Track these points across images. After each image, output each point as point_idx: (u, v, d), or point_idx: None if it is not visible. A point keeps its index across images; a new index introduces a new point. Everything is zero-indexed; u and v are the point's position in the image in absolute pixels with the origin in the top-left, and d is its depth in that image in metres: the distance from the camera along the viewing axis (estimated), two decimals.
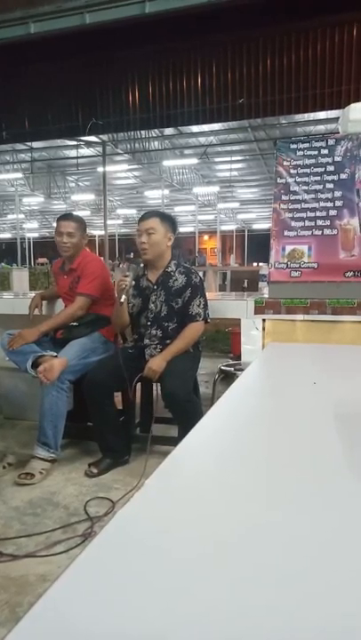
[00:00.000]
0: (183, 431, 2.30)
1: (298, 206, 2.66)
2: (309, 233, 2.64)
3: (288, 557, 0.53)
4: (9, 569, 1.65)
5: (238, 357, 2.92)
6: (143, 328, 2.53)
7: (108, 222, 14.89)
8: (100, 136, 11.89)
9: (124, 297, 2.37)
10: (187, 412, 2.25)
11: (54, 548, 1.77)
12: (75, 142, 13.58)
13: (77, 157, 15.35)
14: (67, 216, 2.81)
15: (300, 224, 2.66)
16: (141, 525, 0.59)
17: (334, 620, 0.43)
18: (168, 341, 2.45)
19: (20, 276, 10.85)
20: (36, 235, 30.60)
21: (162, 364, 2.34)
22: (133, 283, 2.47)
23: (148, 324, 2.51)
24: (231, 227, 30.13)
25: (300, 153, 2.66)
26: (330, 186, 2.61)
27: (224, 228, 29.15)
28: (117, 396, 2.53)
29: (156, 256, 2.50)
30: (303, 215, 2.65)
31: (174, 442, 2.30)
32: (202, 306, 2.47)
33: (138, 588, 0.47)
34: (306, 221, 2.65)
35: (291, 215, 2.68)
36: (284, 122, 12.23)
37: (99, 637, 0.40)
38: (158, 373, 2.33)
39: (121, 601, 0.44)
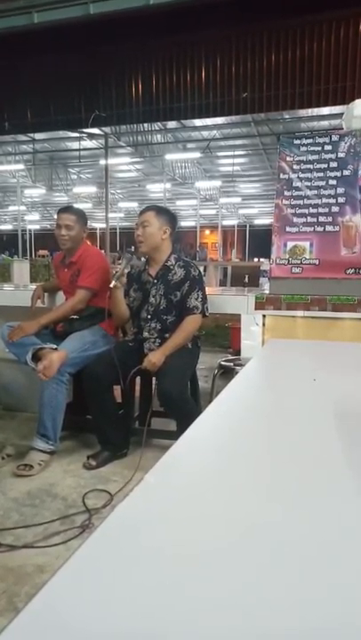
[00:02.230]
0: (180, 428, 2.32)
1: (300, 202, 2.66)
2: (311, 229, 2.64)
3: (288, 556, 0.53)
4: (7, 559, 1.66)
5: (238, 352, 2.92)
6: (143, 322, 2.53)
7: (110, 215, 14.84)
8: (103, 128, 11.83)
9: (113, 282, 2.40)
10: (181, 410, 2.26)
11: (52, 539, 1.79)
12: (77, 134, 13.51)
13: (79, 149, 15.28)
14: (66, 209, 2.81)
15: (303, 220, 2.65)
16: (141, 521, 0.59)
17: (335, 619, 0.43)
18: (167, 334, 2.46)
19: (20, 268, 10.86)
20: (37, 227, 30.55)
21: (161, 358, 2.35)
22: (126, 271, 2.50)
23: (148, 317, 2.52)
24: (233, 222, 30.06)
25: (304, 149, 2.65)
26: (333, 182, 2.61)
27: (225, 222, 29.08)
28: (117, 390, 2.53)
29: (151, 248, 2.51)
30: (305, 211, 2.65)
31: (172, 436, 2.32)
32: (200, 299, 2.47)
33: (137, 585, 0.47)
34: (308, 218, 2.64)
35: (293, 211, 2.67)
36: (287, 117, 12.17)
37: (98, 634, 0.40)
38: (157, 366, 2.34)
39: (120, 597, 0.44)
